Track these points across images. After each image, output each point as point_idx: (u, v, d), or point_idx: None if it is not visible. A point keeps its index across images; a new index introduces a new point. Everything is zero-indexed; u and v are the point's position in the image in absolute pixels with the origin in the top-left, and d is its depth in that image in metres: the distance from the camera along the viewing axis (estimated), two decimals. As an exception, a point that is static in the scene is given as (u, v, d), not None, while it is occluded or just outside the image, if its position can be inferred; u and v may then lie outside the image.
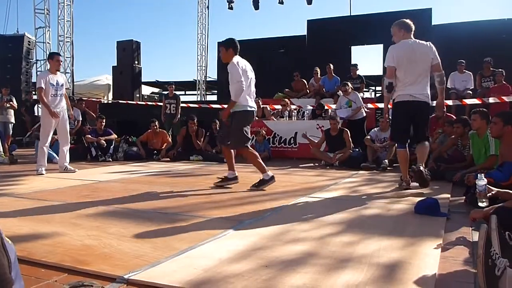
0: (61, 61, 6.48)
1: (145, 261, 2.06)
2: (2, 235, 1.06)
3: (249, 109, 4.50)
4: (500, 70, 8.52)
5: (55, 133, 6.17)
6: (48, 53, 11.99)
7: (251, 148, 4.63)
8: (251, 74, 4.58)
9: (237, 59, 4.46)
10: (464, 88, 8.90)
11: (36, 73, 14.28)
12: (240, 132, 4.44)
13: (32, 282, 1.78)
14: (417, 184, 4.24)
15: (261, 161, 4.54)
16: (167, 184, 4.88)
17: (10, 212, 3.25)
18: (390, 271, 1.93)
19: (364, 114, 8.31)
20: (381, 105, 8.12)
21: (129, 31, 60.33)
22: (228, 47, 4.49)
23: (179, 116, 9.76)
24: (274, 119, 9.15)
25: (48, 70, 6.14)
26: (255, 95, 4.72)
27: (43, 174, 5.66)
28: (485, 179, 2.70)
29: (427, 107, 4.35)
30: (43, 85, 5.80)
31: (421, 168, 4.11)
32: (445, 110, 7.31)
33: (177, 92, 10.41)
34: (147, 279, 1.83)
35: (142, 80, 15.49)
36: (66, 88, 6.31)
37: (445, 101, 8.08)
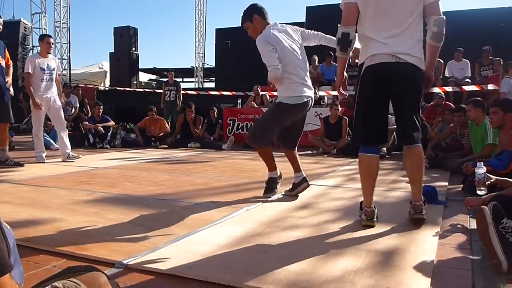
0: (52, 43, 5.89)
1: (144, 246, 2.07)
2: (0, 220, 1.05)
3: (297, 101, 3.17)
4: (498, 58, 8.46)
5: (50, 119, 5.99)
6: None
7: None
8: (295, 44, 3.25)
9: (267, 30, 3.17)
10: (462, 77, 8.87)
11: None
12: (267, 126, 3.30)
13: (31, 267, 1.78)
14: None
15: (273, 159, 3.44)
16: (165, 171, 4.88)
17: (8, 198, 3.24)
18: (388, 257, 1.94)
19: None
20: None
21: (126, 17, 59.94)
22: (251, 16, 3.24)
23: (180, 103, 9.74)
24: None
25: (38, 53, 5.74)
26: (307, 73, 3.28)
27: (44, 161, 5.44)
28: (485, 168, 2.71)
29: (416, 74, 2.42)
30: (30, 70, 5.37)
31: None
32: (443, 96, 7.32)
33: (175, 79, 10.36)
34: (146, 264, 1.83)
35: (140, 67, 15.39)
36: (60, 74, 6.04)
37: (444, 87, 8.11)
